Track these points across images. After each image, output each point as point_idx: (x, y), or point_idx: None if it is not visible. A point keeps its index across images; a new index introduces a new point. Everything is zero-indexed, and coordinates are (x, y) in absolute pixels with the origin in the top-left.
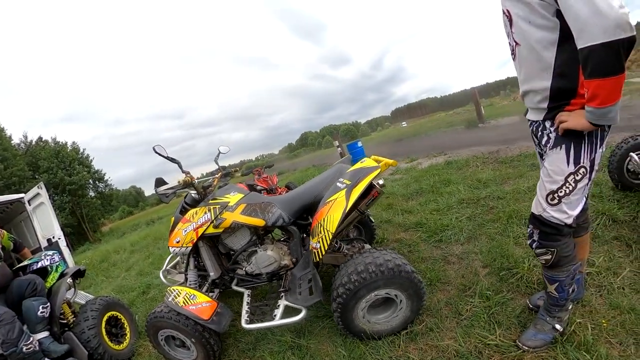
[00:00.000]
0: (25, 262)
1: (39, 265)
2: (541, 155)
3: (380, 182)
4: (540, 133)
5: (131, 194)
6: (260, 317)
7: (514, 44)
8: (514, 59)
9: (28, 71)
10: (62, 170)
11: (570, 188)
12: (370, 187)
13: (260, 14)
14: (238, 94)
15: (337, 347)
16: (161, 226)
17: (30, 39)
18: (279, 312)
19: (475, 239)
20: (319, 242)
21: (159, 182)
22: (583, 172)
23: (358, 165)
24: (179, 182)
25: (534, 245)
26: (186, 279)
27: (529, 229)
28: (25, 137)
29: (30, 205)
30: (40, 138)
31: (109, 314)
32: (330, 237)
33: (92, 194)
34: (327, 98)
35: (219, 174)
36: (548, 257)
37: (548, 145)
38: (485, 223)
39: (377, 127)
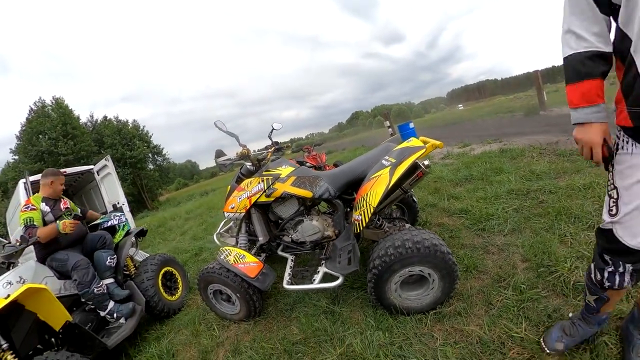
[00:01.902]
0: (98, 221)
1: (109, 224)
2: None
3: (426, 162)
4: None
5: (187, 167)
6: (300, 281)
7: None
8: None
9: (92, 56)
10: (123, 146)
11: None
12: (416, 166)
13: None
14: (289, 73)
15: (367, 317)
16: (214, 197)
17: (88, 26)
18: (318, 277)
19: (519, 232)
20: (360, 214)
21: (219, 153)
22: None
23: (404, 144)
24: (237, 154)
25: (627, 280)
26: (237, 242)
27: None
28: (92, 116)
29: (98, 175)
30: (105, 117)
31: (165, 269)
32: (372, 210)
33: (151, 166)
34: (379, 77)
35: (272, 149)
36: None
37: None
38: (532, 217)
39: (432, 109)
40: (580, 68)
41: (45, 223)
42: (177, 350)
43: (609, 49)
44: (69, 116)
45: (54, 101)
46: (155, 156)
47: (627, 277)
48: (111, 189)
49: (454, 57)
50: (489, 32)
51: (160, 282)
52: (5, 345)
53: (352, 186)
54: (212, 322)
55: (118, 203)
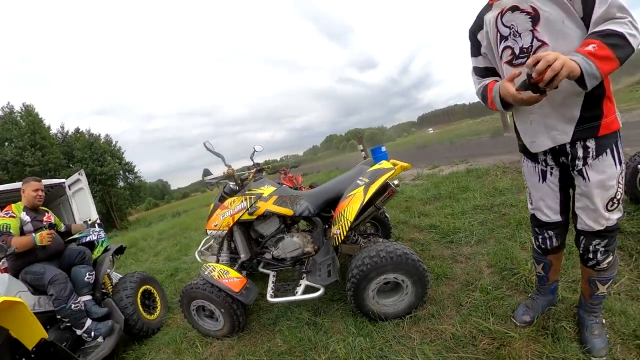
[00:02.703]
0: (76, 236)
1: (88, 239)
2: (563, 176)
3: (396, 182)
4: (571, 152)
5: (158, 187)
6: (283, 294)
7: (537, 43)
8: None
9: (66, 65)
10: (93, 161)
11: (621, 187)
12: (387, 186)
13: (289, 15)
14: (265, 95)
15: (348, 325)
16: (187, 218)
17: (67, 33)
18: (300, 289)
19: (484, 242)
20: (339, 229)
21: (206, 172)
22: (624, 167)
23: (376, 166)
24: (223, 173)
25: (599, 258)
26: (218, 259)
27: (589, 248)
28: (62, 127)
29: (70, 190)
30: (77, 129)
31: (144, 287)
32: (349, 224)
33: (121, 184)
34: (353, 101)
35: (254, 169)
36: (610, 258)
37: (589, 157)
38: (496, 228)
39: (403, 132)
40: (482, 92)
41: (22, 233)
42: None
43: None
44: (38, 125)
45: (23, 108)
46: (127, 174)
47: (553, 239)
48: (83, 205)
49: (425, 83)
50: (457, 59)
51: (139, 300)
52: None
53: (330, 204)
54: (195, 339)
55: (89, 220)
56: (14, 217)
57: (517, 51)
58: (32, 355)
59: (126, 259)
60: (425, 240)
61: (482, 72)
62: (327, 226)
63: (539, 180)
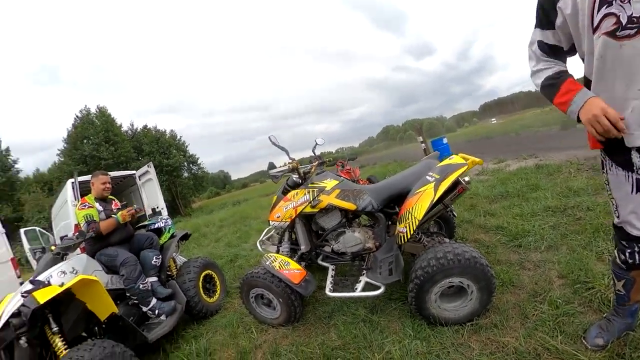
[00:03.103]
0: (146, 222)
1: (156, 225)
2: None
3: (467, 179)
4: None
5: (219, 177)
6: (341, 289)
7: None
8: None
9: (133, 70)
10: (160, 154)
11: None
12: (457, 183)
13: (340, 8)
14: (320, 87)
15: (405, 327)
16: (247, 207)
17: (133, 42)
18: (360, 286)
19: (555, 249)
20: (405, 227)
21: (271, 165)
22: None
23: (446, 161)
24: (288, 166)
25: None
26: (278, 249)
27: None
28: (132, 125)
29: (140, 180)
30: (144, 126)
31: (206, 271)
32: (417, 223)
33: (185, 174)
34: (409, 91)
35: (316, 162)
36: None
37: None
38: (569, 234)
39: (464, 123)
40: (552, 82)
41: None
42: (215, 349)
43: (566, 67)
44: (111, 124)
45: (98, 110)
46: (191, 165)
47: None
48: (151, 194)
49: (486, 68)
50: (521, 41)
51: (200, 284)
52: (55, 329)
53: (394, 200)
54: (251, 325)
55: (157, 207)
56: (92, 207)
57: (624, 20)
58: (103, 326)
59: (189, 243)
60: (490, 243)
61: (548, 50)
62: (389, 222)
63: (633, 191)
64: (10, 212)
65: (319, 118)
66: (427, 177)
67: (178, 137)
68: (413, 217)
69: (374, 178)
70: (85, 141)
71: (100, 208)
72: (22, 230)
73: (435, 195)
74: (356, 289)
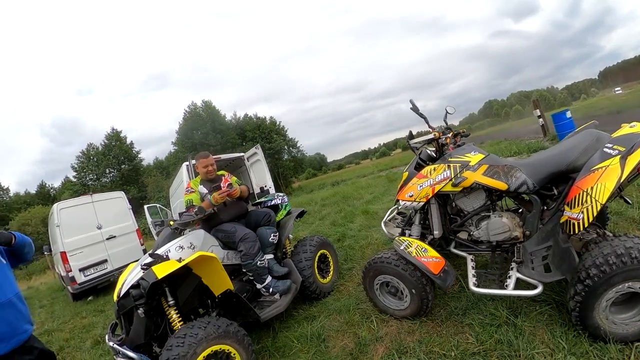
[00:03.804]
0: (262, 199)
1: (272, 202)
2: None
3: None
4: None
5: (316, 159)
6: (488, 284)
7: None
8: None
9: (231, 66)
10: (262, 139)
11: None
12: None
13: None
14: (412, 62)
15: (556, 336)
16: (346, 187)
17: (228, 41)
18: (511, 282)
19: None
20: (582, 212)
21: (410, 135)
22: None
23: (627, 129)
24: (432, 134)
25: None
26: (403, 232)
27: None
28: (235, 114)
29: (248, 161)
30: (246, 114)
31: (321, 251)
32: (599, 207)
33: (286, 157)
34: (512, 59)
35: (451, 133)
36: None
37: None
38: None
39: (580, 94)
40: None
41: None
42: (329, 336)
43: None
44: (216, 115)
45: (203, 104)
46: (290, 148)
47: None
48: (259, 174)
49: (604, 24)
50: None
51: (316, 263)
52: (171, 302)
53: (555, 179)
54: (370, 313)
55: (265, 186)
56: (193, 191)
57: None
58: (217, 300)
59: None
60: None
61: None
62: (544, 207)
63: None
64: (136, 192)
65: (415, 95)
66: (606, 149)
67: (277, 123)
68: (593, 200)
69: None
70: (194, 132)
71: (205, 190)
72: (145, 207)
73: (622, 172)
74: (507, 285)
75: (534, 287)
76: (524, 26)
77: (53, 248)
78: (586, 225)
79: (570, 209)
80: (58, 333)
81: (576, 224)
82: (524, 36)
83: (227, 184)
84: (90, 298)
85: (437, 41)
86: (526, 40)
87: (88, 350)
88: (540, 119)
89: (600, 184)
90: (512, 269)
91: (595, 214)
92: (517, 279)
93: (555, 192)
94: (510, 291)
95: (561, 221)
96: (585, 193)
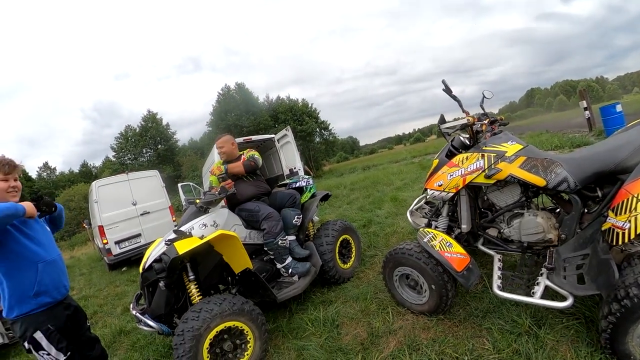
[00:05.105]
0: (287, 181)
1: (297, 184)
2: None
3: None
4: None
5: (348, 143)
6: (513, 289)
7: None
8: None
9: (262, 48)
10: (294, 121)
11: None
12: None
13: None
14: (450, 45)
15: (580, 357)
16: (377, 172)
17: (258, 22)
18: (539, 290)
19: None
20: (629, 221)
21: (442, 119)
22: None
23: None
24: (465, 119)
25: None
26: (430, 223)
27: None
28: (267, 96)
29: (278, 143)
30: (278, 97)
31: (343, 236)
32: None
33: (317, 139)
34: (558, 44)
35: (487, 120)
36: None
37: None
38: None
39: (633, 87)
40: None
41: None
42: (343, 322)
43: None
44: (249, 97)
45: (236, 86)
46: (322, 131)
47: None
48: (289, 156)
49: None
50: None
51: (337, 248)
52: (192, 277)
53: (600, 179)
54: (387, 304)
55: (295, 168)
56: (214, 174)
57: None
58: (236, 278)
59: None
60: None
61: None
62: (584, 210)
63: None
64: (171, 170)
65: (452, 79)
66: None
67: (310, 105)
68: None
69: None
70: (228, 114)
71: (224, 171)
72: (179, 185)
73: None
74: (534, 292)
75: (564, 298)
76: (573, 8)
77: (92, 222)
78: (633, 236)
79: (616, 215)
80: (93, 299)
81: (621, 233)
82: (572, 20)
83: (244, 161)
84: (124, 269)
85: (476, 23)
86: (576, 25)
87: (118, 316)
88: (587, 112)
89: None
90: (541, 274)
91: None
92: (546, 287)
93: (599, 194)
94: (536, 299)
95: (603, 228)
96: (635, 199)
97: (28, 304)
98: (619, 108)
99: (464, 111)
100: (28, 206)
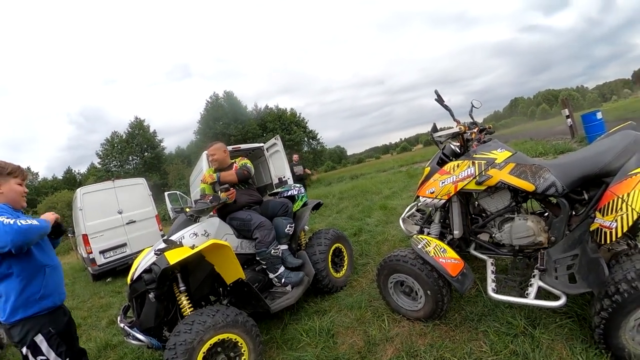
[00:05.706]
0: (279, 190)
1: (289, 193)
2: None
3: None
4: None
5: (335, 152)
6: (507, 291)
7: None
8: None
9: (251, 57)
10: (282, 130)
11: None
12: None
13: None
14: (437, 57)
15: (576, 353)
16: (365, 181)
17: (247, 33)
18: (532, 291)
19: None
20: (615, 220)
21: (434, 128)
22: None
23: None
24: (457, 128)
25: None
26: (422, 230)
27: None
28: (256, 105)
29: (268, 152)
30: (266, 106)
31: (336, 244)
32: (635, 216)
33: (306, 149)
34: (541, 55)
35: (476, 129)
36: None
37: None
38: None
39: (612, 95)
40: None
41: (214, 191)
42: (338, 332)
43: None
44: (237, 105)
45: (225, 94)
46: (310, 140)
47: None
48: (278, 165)
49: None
50: None
51: (330, 257)
52: (182, 288)
53: (586, 183)
54: (383, 312)
55: (284, 177)
56: (205, 182)
57: None
58: (228, 289)
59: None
60: None
61: None
62: (572, 212)
63: None
64: (158, 178)
65: (438, 90)
66: None
67: (298, 114)
68: (629, 208)
69: None
70: (216, 122)
71: (216, 179)
72: (165, 193)
73: None
74: (527, 294)
75: (557, 297)
76: (555, 21)
77: (76, 230)
78: (619, 235)
79: (603, 216)
80: (77, 311)
81: (608, 232)
82: (554, 32)
83: (236, 170)
84: (109, 279)
85: (463, 35)
86: (557, 37)
87: (103, 329)
88: (569, 119)
89: (638, 191)
90: (534, 276)
91: (630, 223)
92: (539, 288)
93: (586, 196)
94: (530, 300)
95: (591, 229)
96: (620, 199)
97: (33, 306)
98: (599, 115)
99: (455, 120)
100: (51, 219)
